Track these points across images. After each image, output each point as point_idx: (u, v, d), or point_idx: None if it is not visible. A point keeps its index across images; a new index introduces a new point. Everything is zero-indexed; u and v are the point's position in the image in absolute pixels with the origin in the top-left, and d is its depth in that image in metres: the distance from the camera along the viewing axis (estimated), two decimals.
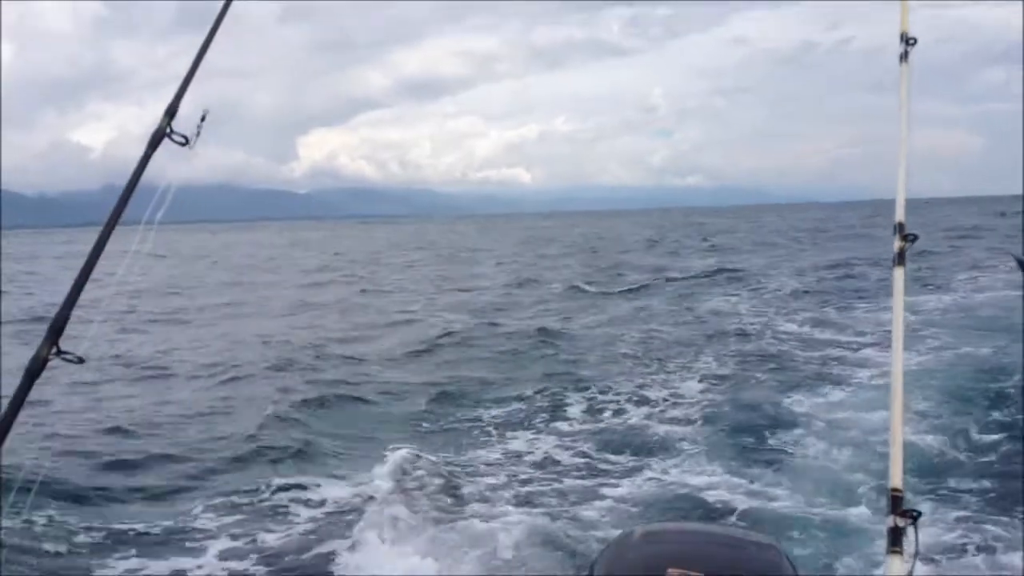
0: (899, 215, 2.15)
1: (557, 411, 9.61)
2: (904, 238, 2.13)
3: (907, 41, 2.37)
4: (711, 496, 6.57)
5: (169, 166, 2.36)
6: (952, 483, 6.74)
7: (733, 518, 6.08)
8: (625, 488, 6.99)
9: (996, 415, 8.22)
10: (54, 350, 2.05)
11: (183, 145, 2.35)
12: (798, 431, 8.10)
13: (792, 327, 14.50)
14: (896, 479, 1.78)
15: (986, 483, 6.71)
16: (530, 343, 14.02)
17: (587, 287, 23.28)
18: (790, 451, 7.60)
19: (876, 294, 17.60)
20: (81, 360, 2.10)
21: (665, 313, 17.39)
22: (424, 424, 9.48)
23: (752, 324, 15.00)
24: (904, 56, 2.35)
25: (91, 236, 2.22)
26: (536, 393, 10.39)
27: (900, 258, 2.10)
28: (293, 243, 69.71)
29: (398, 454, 7.73)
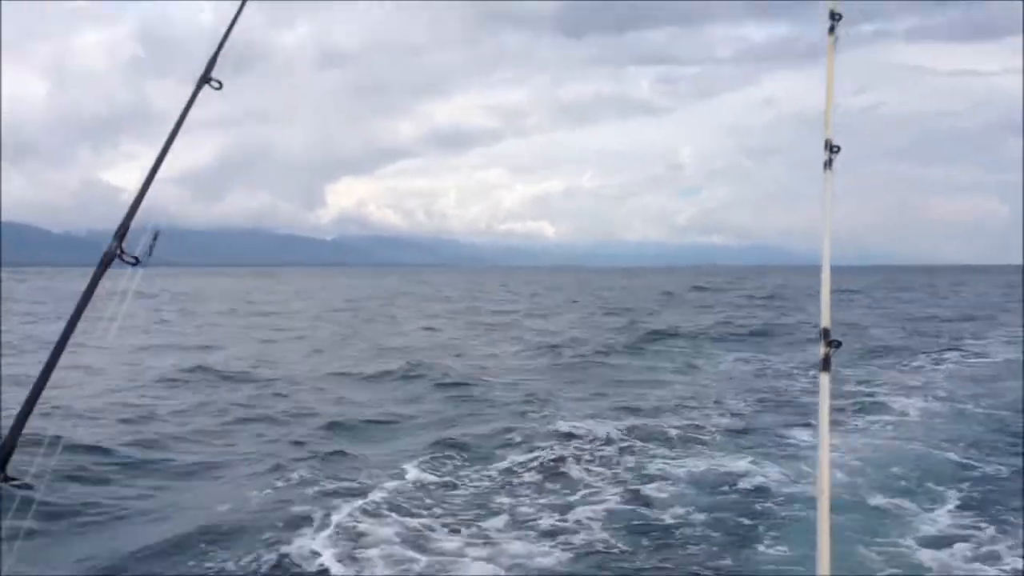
0: (824, 320, 2.20)
1: None
2: (829, 344, 2.18)
3: (831, 149, 2.43)
4: None
5: (120, 283, 2.43)
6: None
7: None
8: None
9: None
10: (1, 476, 2.07)
11: (134, 265, 2.42)
12: None
13: None
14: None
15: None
16: None
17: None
18: None
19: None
20: (29, 486, 2.13)
21: None
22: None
23: None
24: (828, 164, 2.41)
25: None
26: None
27: (826, 364, 2.15)
28: (298, 291, 68.21)
29: None
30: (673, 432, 10.43)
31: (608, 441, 9.97)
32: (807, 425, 10.35)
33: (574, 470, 8.71)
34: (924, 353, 18.83)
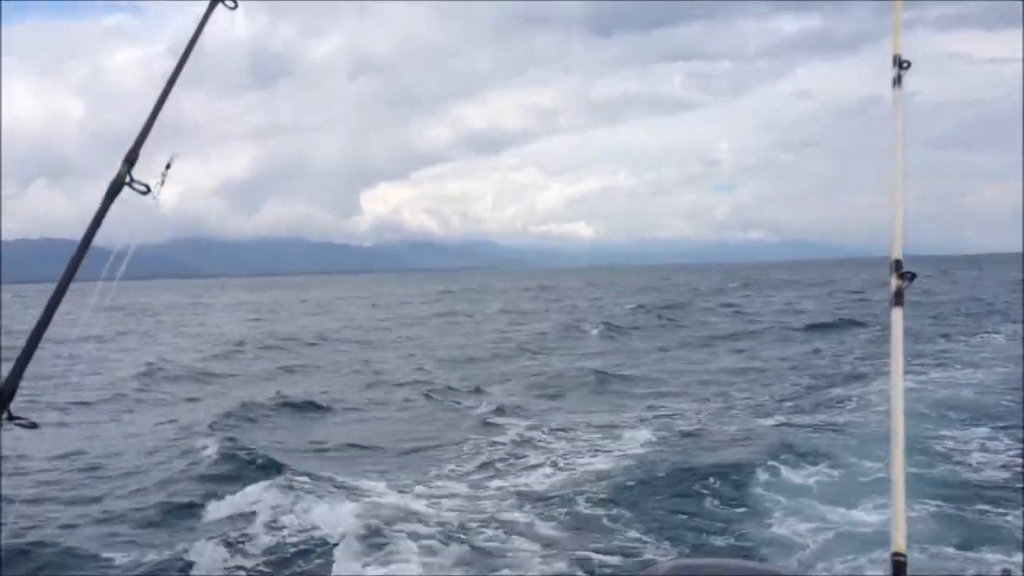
0: (895, 251, 2.00)
1: None
2: (901, 276, 1.98)
3: (900, 64, 2.24)
4: None
5: (128, 219, 2.28)
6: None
7: None
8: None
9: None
10: (5, 415, 1.96)
11: (144, 194, 2.26)
12: None
13: None
14: (899, 542, 1.65)
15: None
16: None
17: None
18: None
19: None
20: (34, 425, 2.02)
21: None
22: None
23: None
24: (897, 80, 2.22)
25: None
26: None
27: (898, 297, 1.96)
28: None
29: None
30: None
31: None
32: None
33: None
34: None
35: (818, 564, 5.83)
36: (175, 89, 2.48)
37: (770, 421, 11.16)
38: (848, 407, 11.70)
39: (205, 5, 2.62)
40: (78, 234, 2.17)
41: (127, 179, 2.24)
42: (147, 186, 2.25)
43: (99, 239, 2.20)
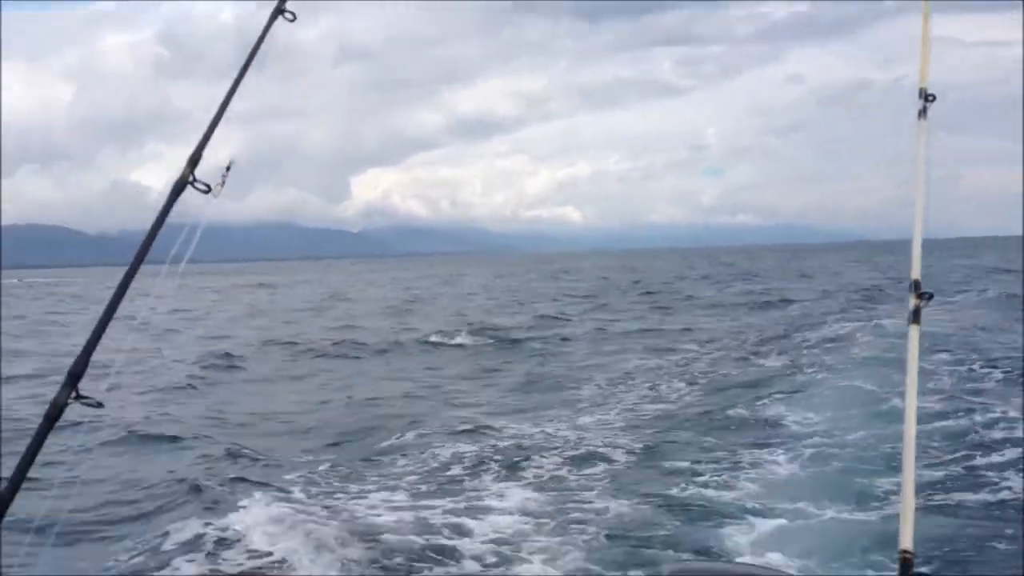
0: (915, 272, 2.10)
1: None
2: (920, 296, 2.09)
3: (926, 98, 2.33)
4: None
5: (194, 211, 2.42)
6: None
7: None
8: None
9: None
10: (73, 395, 2.09)
11: (206, 193, 2.40)
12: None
13: None
14: (906, 540, 1.75)
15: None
16: None
17: None
18: None
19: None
20: (100, 404, 2.14)
21: None
22: None
23: None
24: (923, 112, 2.31)
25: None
26: None
27: (915, 316, 2.06)
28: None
29: None
30: None
31: None
32: None
33: None
34: None
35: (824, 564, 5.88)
36: (236, 94, 2.64)
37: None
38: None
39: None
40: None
41: (190, 179, 2.38)
42: (208, 186, 2.40)
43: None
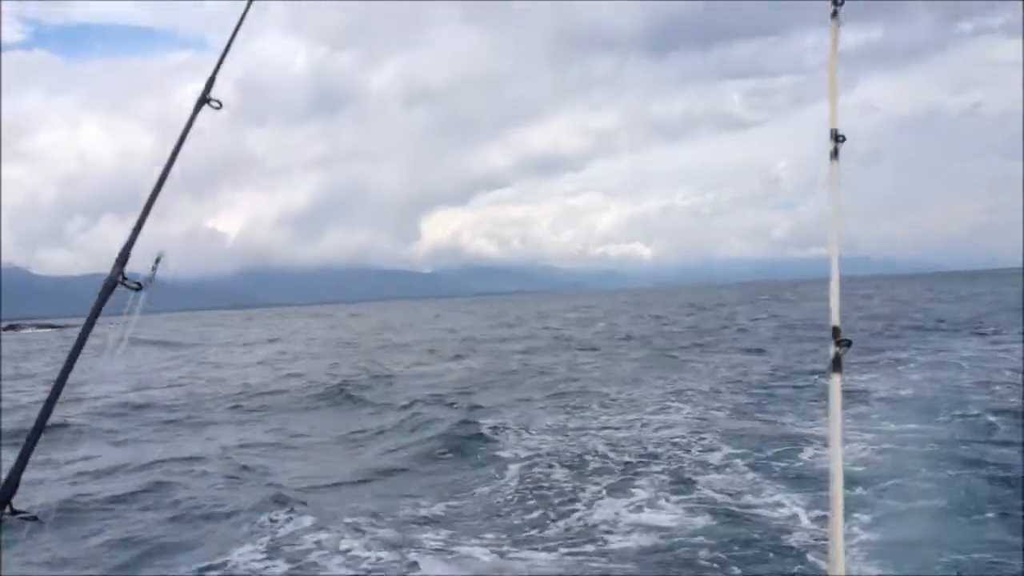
0: (834, 318, 2.09)
1: None
2: (839, 343, 2.07)
3: (837, 138, 2.34)
4: None
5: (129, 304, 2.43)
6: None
7: None
8: None
9: None
10: (8, 510, 2.09)
11: (137, 291, 2.42)
12: None
13: None
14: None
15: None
16: None
17: None
18: None
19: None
20: (35, 518, 2.14)
21: None
22: None
23: None
24: (834, 154, 2.32)
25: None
26: None
27: (836, 364, 2.05)
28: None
29: None
30: None
31: None
32: None
33: None
34: None
35: None
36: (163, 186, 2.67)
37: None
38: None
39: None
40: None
41: (120, 278, 2.40)
42: (139, 283, 2.42)
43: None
